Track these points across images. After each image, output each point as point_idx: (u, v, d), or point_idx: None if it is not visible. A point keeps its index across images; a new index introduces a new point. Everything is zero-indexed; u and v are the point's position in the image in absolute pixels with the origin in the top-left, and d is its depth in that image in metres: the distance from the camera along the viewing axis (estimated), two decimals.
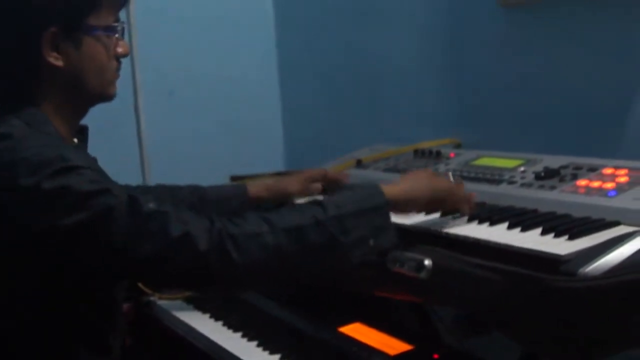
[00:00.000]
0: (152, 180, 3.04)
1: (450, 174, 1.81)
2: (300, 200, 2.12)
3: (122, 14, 1.80)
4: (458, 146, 2.51)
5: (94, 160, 1.75)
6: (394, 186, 1.69)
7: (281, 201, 2.21)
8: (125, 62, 1.84)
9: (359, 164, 2.48)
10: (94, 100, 1.75)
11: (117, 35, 1.74)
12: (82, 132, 1.82)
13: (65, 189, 1.50)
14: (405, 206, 1.70)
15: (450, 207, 1.77)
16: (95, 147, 1.84)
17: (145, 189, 2.22)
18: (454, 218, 1.78)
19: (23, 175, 1.50)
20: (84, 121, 1.80)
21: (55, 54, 1.64)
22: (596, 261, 1.37)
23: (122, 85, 1.79)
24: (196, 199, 2.17)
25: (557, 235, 1.52)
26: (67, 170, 1.52)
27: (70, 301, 1.63)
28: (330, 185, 2.23)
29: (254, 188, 2.24)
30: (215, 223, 1.54)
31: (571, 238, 1.49)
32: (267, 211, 1.63)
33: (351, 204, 1.62)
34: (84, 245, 1.54)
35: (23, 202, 1.52)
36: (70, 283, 1.61)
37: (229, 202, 2.19)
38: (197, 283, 1.64)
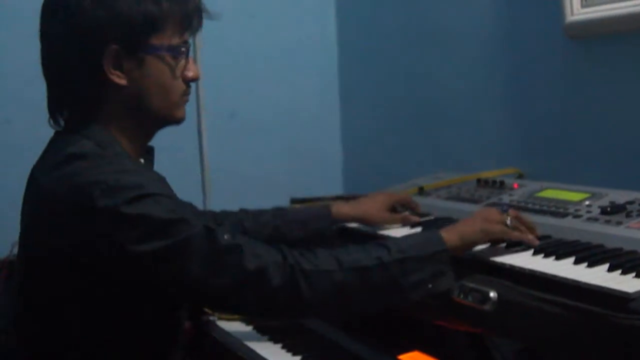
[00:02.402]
0: (213, 201, 3.08)
1: (507, 215, 1.80)
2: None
3: None
4: (520, 176, 2.50)
5: (164, 180, 1.78)
6: (452, 232, 1.76)
7: (367, 224, 2.25)
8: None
9: (422, 191, 2.48)
10: (160, 121, 1.77)
11: (186, 58, 1.74)
12: (149, 153, 1.84)
13: (144, 216, 1.54)
14: (462, 251, 1.76)
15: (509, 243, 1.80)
16: (157, 167, 1.86)
17: (226, 215, 2.26)
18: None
19: (101, 198, 1.53)
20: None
21: (118, 72, 1.67)
22: None
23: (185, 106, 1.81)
24: (279, 221, 2.21)
25: (624, 273, 1.50)
26: (145, 197, 1.55)
27: (135, 319, 1.67)
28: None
29: (339, 206, 2.28)
30: (287, 258, 1.60)
31: (638, 276, 1.48)
32: (335, 249, 1.69)
33: (413, 248, 1.70)
34: (158, 273, 1.58)
35: (99, 224, 1.54)
36: (138, 305, 1.64)
37: (312, 222, 2.24)
38: (266, 314, 1.74)
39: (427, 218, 2.23)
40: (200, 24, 1.78)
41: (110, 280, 1.59)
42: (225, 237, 1.59)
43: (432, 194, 2.45)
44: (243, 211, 2.25)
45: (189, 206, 2.07)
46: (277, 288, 1.58)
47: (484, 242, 1.78)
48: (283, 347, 2.25)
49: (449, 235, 1.74)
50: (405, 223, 2.22)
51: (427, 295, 1.70)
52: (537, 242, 1.78)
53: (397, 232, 2.16)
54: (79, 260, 1.58)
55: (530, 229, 1.82)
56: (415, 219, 2.22)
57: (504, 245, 1.80)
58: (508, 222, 1.79)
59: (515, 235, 1.78)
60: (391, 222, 2.23)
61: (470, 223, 1.79)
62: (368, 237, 2.17)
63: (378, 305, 1.74)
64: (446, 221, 2.04)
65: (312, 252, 1.65)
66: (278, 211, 2.25)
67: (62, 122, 1.75)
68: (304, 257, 1.62)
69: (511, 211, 1.83)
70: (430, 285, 1.69)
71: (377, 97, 3.34)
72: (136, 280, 1.59)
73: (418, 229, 2.12)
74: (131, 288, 1.61)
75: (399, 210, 2.27)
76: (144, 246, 1.53)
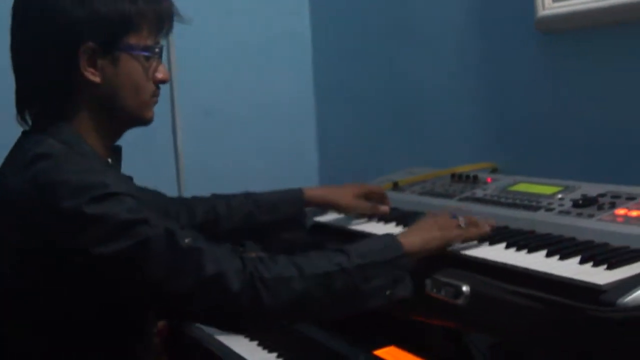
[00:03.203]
0: None
1: (462, 220, 1.82)
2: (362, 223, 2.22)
3: None
4: (494, 170, 2.51)
5: (130, 180, 1.77)
6: (409, 237, 1.77)
7: (338, 210, 2.29)
8: None
9: (396, 186, 2.49)
10: (129, 121, 1.77)
11: (157, 59, 1.75)
12: (117, 152, 1.83)
13: (106, 216, 1.53)
14: (419, 257, 1.76)
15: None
16: (132, 166, 1.86)
17: (198, 201, 2.25)
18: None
19: (64, 198, 1.53)
20: (120, 140, 1.82)
21: (92, 69, 1.66)
22: (635, 291, 1.36)
23: (160, 104, 1.81)
24: (251, 205, 2.22)
25: (595, 265, 1.51)
26: (108, 197, 1.54)
27: (99, 320, 1.65)
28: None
29: (311, 191, 2.30)
30: (247, 265, 1.59)
31: (610, 268, 1.48)
32: (295, 256, 1.67)
33: (373, 254, 1.70)
34: (118, 274, 1.57)
35: (62, 224, 1.54)
36: (100, 305, 1.63)
37: (284, 207, 2.24)
38: (224, 322, 1.68)
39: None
40: (171, 27, 1.79)
41: (74, 281, 1.58)
42: (186, 240, 1.57)
43: (407, 189, 2.45)
44: (215, 196, 2.25)
45: (157, 197, 2.08)
46: (236, 294, 1.55)
47: (440, 248, 1.79)
48: (259, 345, 2.26)
49: (408, 241, 1.75)
50: (374, 213, 2.25)
51: (385, 302, 1.70)
52: (489, 230, 1.82)
53: (368, 225, 2.20)
54: (43, 261, 1.57)
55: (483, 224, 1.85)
56: (385, 209, 2.26)
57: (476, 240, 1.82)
58: (462, 224, 1.82)
59: (473, 231, 1.81)
60: (361, 210, 2.26)
61: (426, 230, 1.80)
62: (341, 232, 2.19)
63: (338, 312, 1.73)
64: (416, 215, 2.04)
65: (272, 259, 1.63)
66: (250, 195, 2.25)
67: (29, 120, 1.74)
68: (264, 265, 1.60)
69: (461, 216, 1.84)
70: (388, 292, 1.69)
71: (352, 93, 3.34)
72: (98, 282, 1.58)
73: (391, 224, 2.13)
74: (96, 288, 1.59)
75: (371, 201, 2.29)
76: (104, 247, 1.52)
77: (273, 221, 2.23)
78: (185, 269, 1.56)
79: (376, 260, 1.69)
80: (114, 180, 1.60)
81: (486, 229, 1.82)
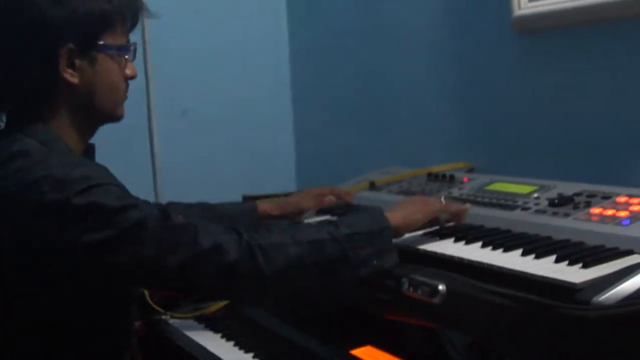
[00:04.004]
0: (164, 199, 3.05)
1: (442, 198, 1.95)
2: (312, 217, 2.22)
3: (136, 34, 1.83)
4: (471, 170, 2.52)
5: (109, 171, 1.77)
6: (394, 212, 1.81)
7: (293, 217, 2.28)
8: (139, 81, 1.86)
9: (373, 186, 2.49)
10: (103, 119, 1.78)
11: (126, 57, 1.77)
12: (90, 150, 1.84)
13: (95, 205, 1.53)
14: (404, 230, 1.80)
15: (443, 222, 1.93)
16: (108, 166, 1.83)
17: (155, 206, 2.22)
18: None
19: (50, 192, 1.53)
20: (96, 140, 1.83)
21: (71, 70, 1.67)
22: (610, 290, 1.37)
23: (135, 104, 1.82)
24: (207, 215, 2.20)
25: (571, 264, 1.52)
26: (94, 188, 1.55)
27: (85, 317, 1.65)
28: (339, 201, 2.32)
29: (265, 206, 2.30)
30: (243, 234, 1.62)
31: (585, 266, 1.49)
32: (287, 226, 1.76)
33: (360, 224, 1.73)
34: (114, 261, 1.56)
35: (50, 218, 1.53)
36: (87, 301, 1.62)
37: (240, 219, 2.22)
38: (225, 290, 1.72)
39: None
40: (138, 22, 1.81)
41: (59, 277, 1.58)
42: (180, 217, 1.62)
43: (383, 188, 2.45)
44: (171, 204, 2.24)
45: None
46: (234, 262, 1.58)
47: (424, 222, 1.84)
48: (235, 345, 2.26)
49: (392, 215, 1.78)
50: (321, 206, 2.29)
51: (374, 273, 1.72)
52: (469, 205, 1.96)
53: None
54: (29, 258, 1.56)
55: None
56: (331, 199, 2.30)
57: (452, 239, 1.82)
58: (443, 200, 1.93)
59: (454, 207, 1.92)
60: (312, 206, 2.29)
61: (407, 205, 1.87)
62: None
63: (331, 280, 1.73)
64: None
65: (266, 229, 1.68)
66: (206, 206, 2.26)
67: (4, 119, 1.73)
68: (259, 234, 1.64)
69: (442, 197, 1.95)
70: (375, 262, 1.72)
71: (329, 94, 3.34)
72: (88, 275, 1.58)
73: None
74: (81, 284, 1.60)
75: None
76: (97, 235, 1.53)
77: None
78: (181, 243, 1.58)
79: (363, 231, 1.71)
80: (97, 172, 1.60)
81: (466, 205, 1.93)
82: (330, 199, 2.29)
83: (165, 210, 1.62)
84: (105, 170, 1.68)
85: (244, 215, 2.26)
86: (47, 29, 1.64)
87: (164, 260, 1.57)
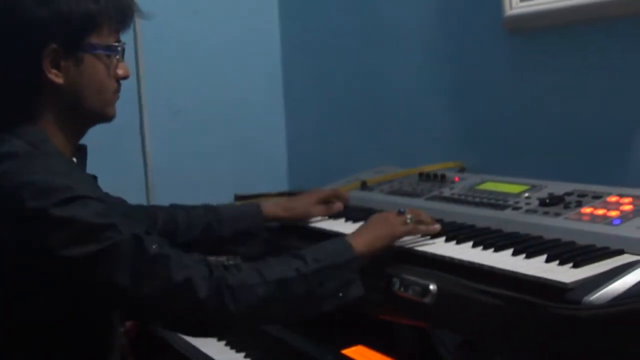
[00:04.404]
0: (156, 201, 3.06)
1: (408, 216, 1.85)
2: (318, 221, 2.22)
3: (129, 34, 1.81)
4: (462, 169, 2.52)
5: (95, 179, 1.76)
6: (359, 238, 1.80)
7: (297, 221, 2.26)
8: (131, 81, 1.85)
9: (364, 186, 2.49)
10: (93, 119, 1.76)
11: (117, 57, 1.75)
12: (81, 151, 1.82)
13: (72, 220, 1.52)
14: (368, 258, 1.78)
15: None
16: (99, 165, 1.85)
17: (158, 209, 2.23)
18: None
19: (29, 199, 1.51)
20: (87, 140, 1.81)
21: (55, 71, 1.66)
22: (601, 289, 1.37)
23: (127, 103, 1.81)
24: (211, 218, 2.19)
25: (561, 263, 1.52)
26: (73, 200, 1.53)
27: (65, 320, 1.64)
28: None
29: (269, 207, 2.27)
30: (214, 272, 1.60)
31: (576, 266, 1.49)
32: (256, 262, 1.71)
33: (327, 258, 1.73)
34: (84, 277, 1.56)
35: (27, 226, 1.52)
36: (66, 306, 1.61)
37: (243, 221, 2.21)
38: (191, 327, 1.69)
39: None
40: (131, 23, 1.78)
41: (38, 283, 1.57)
42: (154, 247, 1.58)
43: (375, 188, 2.45)
44: (174, 206, 2.23)
45: (120, 205, 2.06)
46: (203, 300, 1.57)
47: (388, 246, 1.81)
48: (227, 344, 2.26)
49: (356, 243, 1.78)
50: (330, 212, 2.26)
51: (337, 305, 1.72)
52: (439, 227, 1.85)
53: (326, 223, 2.20)
54: (6, 262, 1.56)
55: (431, 221, 1.88)
56: (339, 206, 2.27)
57: (443, 238, 1.82)
58: (408, 220, 1.84)
59: (421, 229, 1.85)
60: (318, 214, 2.26)
61: (373, 229, 1.84)
62: (305, 230, 2.19)
63: (296, 316, 1.76)
64: (369, 212, 2.07)
65: (236, 266, 1.67)
66: (210, 208, 2.23)
67: None
68: (229, 272, 1.62)
69: (408, 209, 1.87)
70: (341, 294, 1.72)
71: (321, 93, 3.34)
72: (64, 283, 1.57)
73: (350, 222, 2.14)
74: (59, 290, 1.58)
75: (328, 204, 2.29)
76: (71, 250, 1.51)
77: (232, 234, 2.20)
78: (153, 275, 1.56)
79: (329, 264, 1.71)
80: (80, 182, 1.59)
81: (435, 226, 1.86)
82: (338, 207, 2.27)
83: (138, 236, 1.57)
84: (89, 180, 1.68)
85: (248, 218, 2.23)
86: (30, 29, 1.62)
87: (133, 289, 1.55)
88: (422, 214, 1.88)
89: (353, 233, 1.83)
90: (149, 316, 1.71)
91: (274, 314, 1.70)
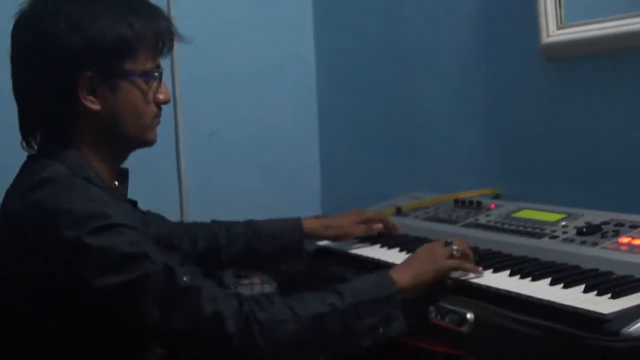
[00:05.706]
0: (191, 220, 3.06)
1: (454, 247, 1.82)
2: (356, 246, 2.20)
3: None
4: (497, 196, 2.51)
5: (135, 204, 1.76)
6: (403, 272, 1.77)
7: (338, 240, 2.26)
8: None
9: (399, 211, 2.49)
10: (133, 144, 1.76)
11: (158, 82, 1.74)
12: (123, 175, 1.82)
13: (106, 248, 1.52)
14: (414, 292, 1.76)
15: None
16: (135, 188, 1.86)
17: (198, 226, 2.24)
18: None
19: (65, 227, 1.52)
20: (124, 164, 1.81)
21: (92, 97, 1.65)
22: (639, 321, 1.37)
23: (163, 126, 1.80)
24: (251, 234, 2.19)
25: (600, 294, 1.52)
26: (109, 228, 1.54)
27: (99, 346, 1.63)
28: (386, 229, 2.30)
29: (311, 222, 2.26)
30: (243, 305, 1.59)
31: (614, 297, 1.49)
32: (290, 297, 1.69)
33: (366, 292, 1.70)
34: (115, 306, 1.56)
35: (62, 253, 1.53)
36: (98, 334, 1.61)
37: (284, 236, 2.21)
38: (218, 358, 1.67)
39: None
40: (171, 47, 1.77)
41: (70, 310, 1.57)
42: (185, 278, 1.57)
43: (410, 214, 2.45)
44: (215, 223, 2.23)
45: (160, 223, 2.06)
46: (231, 335, 1.56)
47: (434, 281, 1.78)
48: None
49: (401, 277, 1.75)
50: (370, 232, 2.25)
51: (378, 341, 1.70)
52: (482, 271, 1.80)
53: (369, 250, 2.18)
54: (40, 288, 1.56)
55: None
56: (379, 227, 2.26)
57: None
58: (455, 252, 1.82)
59: (468, 267, 1.80)
60: (360, 233, 2.25)
61: (419, 263, 1.80)
62: (344, 256, 2.18)
63: (331, 352, 1.73)
64: (420, 241, 2.06)
65: (268, 299, 1.65)
66: (250, 224, 2.23)
67: (34, 145, 1.73)
68: (260, 306, 1.61)
69: (455, 241, 1.84)
70: (381, 330, 1.69)
71: (355, 118, 3.35)
72: (96, 311, 1.57)
73: (395, 250, 2.13)
74: (93, 318, 1.58)
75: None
76: (103, 279, 1.52)
77: (272, 250, 2.20)
78: (183, 307, 1.56)
79: (369, 299, 1.69)
80: (117, 210, 1.59)
81: (479, 269, 1.81)
82: (378, 227, 2.26)
83: (170, 267, 1.57)
84: (125, 206, 1.68)
85: (289, 233, 2.22)
86: (64, 56, 1.62)
87: (162, 321, 1.55)
88: (467, 247, 1.85)
89: (398, 266, 1.82)
90: (176, 347, 1.71)
91: (307, 350, 1.67)
